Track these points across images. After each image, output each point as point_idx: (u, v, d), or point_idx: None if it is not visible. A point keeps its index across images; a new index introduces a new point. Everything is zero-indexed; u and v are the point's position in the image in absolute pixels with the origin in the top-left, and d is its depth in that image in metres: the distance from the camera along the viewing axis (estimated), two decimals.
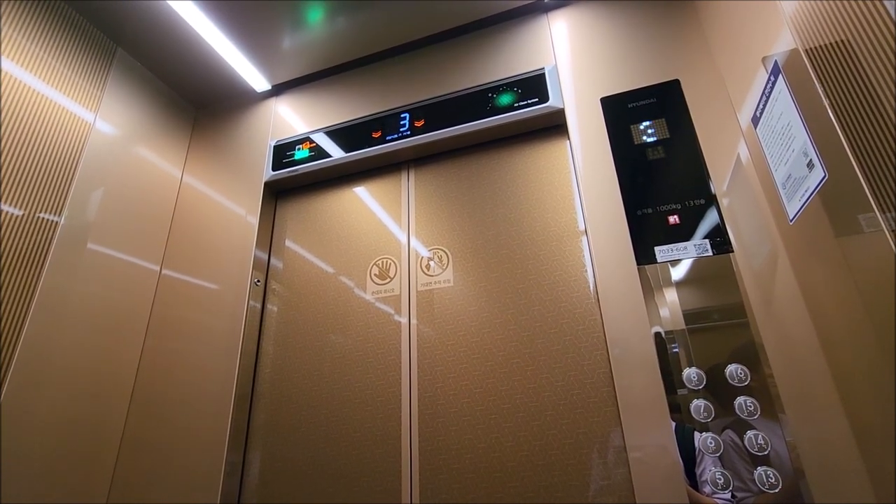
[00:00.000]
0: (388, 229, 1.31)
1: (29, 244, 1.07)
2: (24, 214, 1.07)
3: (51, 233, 1.12)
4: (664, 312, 0.92)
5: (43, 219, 1.10)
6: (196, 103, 1.63)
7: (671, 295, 0.93)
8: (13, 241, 1.04)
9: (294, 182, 1.44)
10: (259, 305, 1.33)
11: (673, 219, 0.95)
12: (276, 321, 1.32)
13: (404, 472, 1.04)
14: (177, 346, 1.28)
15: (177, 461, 1.15)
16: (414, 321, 1.17)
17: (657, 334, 0.90)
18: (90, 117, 1.26)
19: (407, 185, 1.35)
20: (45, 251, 1.10)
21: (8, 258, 1.02)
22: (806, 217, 0.78)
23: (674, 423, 0.84)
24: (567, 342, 1.02)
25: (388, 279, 1.24)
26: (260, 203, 1.39)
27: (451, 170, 1.31)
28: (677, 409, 0.84)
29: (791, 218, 0.80)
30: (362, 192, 1.40)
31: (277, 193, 1.49)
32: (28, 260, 1.06)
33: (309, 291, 1.32)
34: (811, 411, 0.77)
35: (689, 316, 0.90)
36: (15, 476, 0.98)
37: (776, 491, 0.74)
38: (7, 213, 1.04)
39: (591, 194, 1.06)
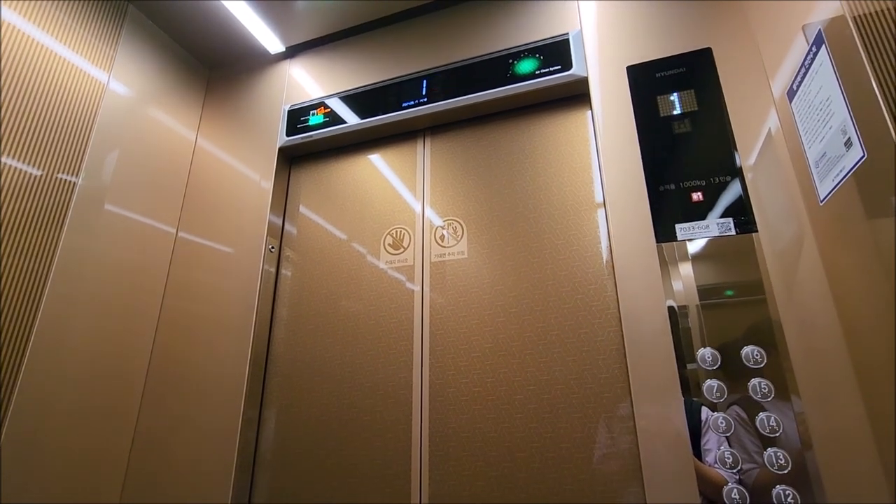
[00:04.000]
0: (403, 198, 1.30)
1: (49, 204, 1.08)
2: (42, 175, 1.07)
3: (69, 193, 1.12)
4: (678, 286, 0.91)
5: (61, 179, 1.11)
6: (209, 64, 1.60)
7: (686, 269, 0.91)
8: (34, 201, 1.05)
9: (308, 148, 1.43)
10: (273, 270, 1.34)
11: (696, 196, 0.92)
12: (290, 286, 1.33)
13: (414, 438, 1.06)
14: (194, 308, 1.31)
15: (196, 416, 1.19)
16: (427, 291, 1.18)
17: (670, 308, 0.89)
18: (104, 77, 1.24)
19: (423, 154, 1.32)
20: (64, 211, 1.11)
21: (29, 218, 1.04)
22: (837, 198, 0.75)
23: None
24: (580, 317, 1.02)
25: (402, 249, 1.24)
26: (274, 169, 1.38)
27: (467, 139, 1.29)
28: (687, 384, 0.84)
29: (822, 198, 0.77)
30: (377, 160, 1.38)
31: (292, 159, 1.48)
32: (48, 220, 1.07)
33: (323, 258, 1.32)
34: (827, 396, 0.76)
35: (704, 291, 0.89)
36: (39, 426, 1.02)
37: (785, 472, 0.74)
38: (27, 172, 1.04)
39: (611, 168, 1.03)
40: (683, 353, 0.87)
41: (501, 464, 0.98)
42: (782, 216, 0.86)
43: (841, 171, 0.70)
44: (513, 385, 1.03)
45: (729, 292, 0.88)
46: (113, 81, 1.27)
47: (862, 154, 0.65)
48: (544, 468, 0.95)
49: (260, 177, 1.39)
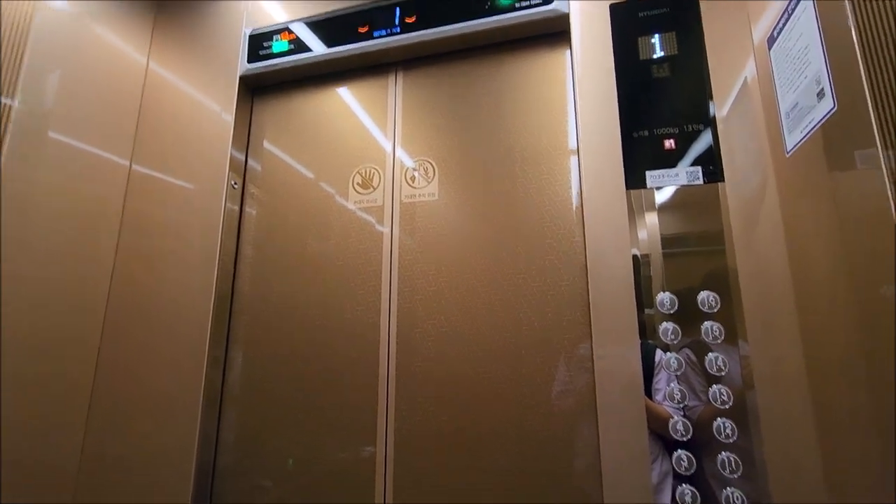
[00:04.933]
0: (373, 137, 1.24)
1: None
2: None
3: (5, 117, 1.03)
4: (642, 235, 0.93)
5: None
6: None
7: (652, 218, 0.93)
8: None
9: (272, 78, 1.33)
10: (237, 208, 1.29)
11: (669, 143, 0.92)
12: (255, 225, 1.29)
13: (381, 380, 1.09)
14: (154, 244, 1.26)
15: (161, 350, 1.18)
16: (396, 233, 1.16)
17: (634, 257, 0.92)
18: None
19: (394, 91, 1.26)
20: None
21: None
22: (803, 150, 0.76)
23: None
24: (548, 262, 1.04)
25: (371, 189, 1.20)
26: (235, 99, 1.29)
27: (441, 76, 1.23)
28: (644, 328, 0.88)
29: (789, 150, 0.78)
30: (347, 95, 1.30)
31: (254, 90, 1.38)
32: None
33: (289, 196, 1.28)
34: (771, 341, 0.81)
35: (667, 240, 0.91)
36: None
37: (727, 407, 0.80)
38: None
39: (587, 112, 1.00)
40: (643, 298, 0.90)
41: (466, 401, 1.02)
42: (749, 166, 0.87)
43: (810, 122, 0.71)
44: (479, 326, 1.05)
45: (688, 242, 0.91)
46: None
47: (832, 106, 0.65)
48: (507, 404, 1.00)
49: (220, 108, 1.30)
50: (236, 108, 1.28)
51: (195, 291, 1.19)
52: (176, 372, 1.15)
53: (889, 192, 0.60)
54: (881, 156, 0.61)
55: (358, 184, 1.22)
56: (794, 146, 0.76)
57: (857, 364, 0.69)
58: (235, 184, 1.28)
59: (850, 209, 0.70)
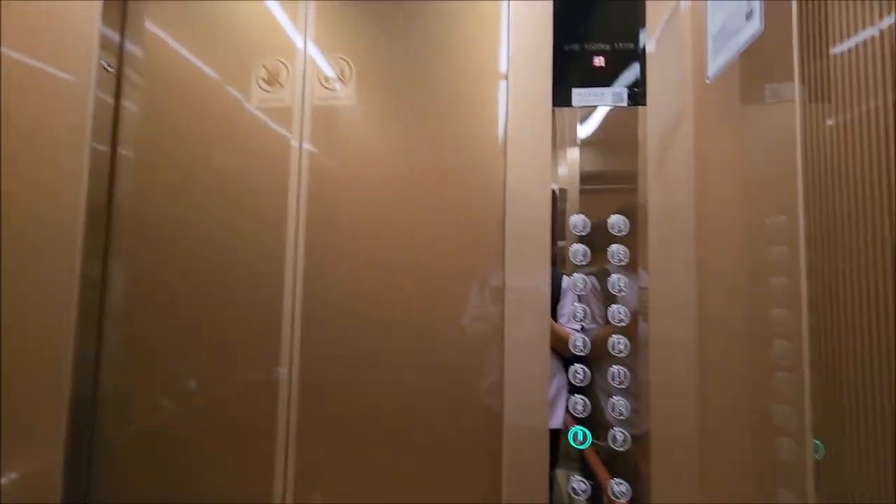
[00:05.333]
0: (280, 24, 1.07)
1: None
2: None
3: None
4: (563, 171, 0.91)
5: None
6: None
7: (573, 152, 0.92)
8: None
9: None
10: (111, 99, 1.08)
11: (598, 60, 0.88)
12: (137, 121, 1.09)
13: (287, 293, 1.01)
14: (2, 140, 1.03)
15: (20, 274, 1.00)
16: (307, 136, 1.04)
17: (553, 190, 0.91)
18: None
19: None
20: None
21: None
22: (723, 81, 0.76)
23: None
24: (467, 185, 1.00)
25: (278, 86, 1.05)
26: None
27: None
28: (556, 258, 0.90)
29: (710, 75, 0.78)
30: None
31: None
32: None
33: (177, 88, 1.09)
34: (669, 266, 0.85)
35: (586, 175, 0.91)
36: None
37: (622, 325, 0.85)
38: None
39: (521, 24, 0.94)
40: (557, 231, 0.90)
41: (376, 322, 0.99)
42: (671, 92, 0.87)
43: (735, 44, 0.70)
44: (395, 242, 1.00)
45: (607, 172, 0.91)
46: None
47: (759, 27, 0.64)
48: (419, 331, 0.98)
49: None
50: None
51: (61, 200, 1.00)
52: (43, 293, 0.99)
53: (798, 123, 0.61)
54: (796, 88, 0.61)
55: (262, 78, 1.06)
56: (716, 71, 0.76)
57: (739, 290, 0.74)
58: (109, 66, 1.06)
59: (756, 143, 0.72)
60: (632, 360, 0.86)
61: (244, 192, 1.05)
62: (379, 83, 1.04)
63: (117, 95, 1.10)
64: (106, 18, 1.05)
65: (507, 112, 0.95)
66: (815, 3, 0.61)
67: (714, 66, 0.76)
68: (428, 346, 0.98)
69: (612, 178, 0.92)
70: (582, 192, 0.93)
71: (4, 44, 1.05)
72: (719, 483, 0.78)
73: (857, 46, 0.55)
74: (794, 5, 0.63)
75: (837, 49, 0.57)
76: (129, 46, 1.11)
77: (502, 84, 1.00)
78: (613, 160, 0.92)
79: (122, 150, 1.09)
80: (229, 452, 1.01)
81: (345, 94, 1.04)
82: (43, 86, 1.04)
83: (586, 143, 0.93)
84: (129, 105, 1.10)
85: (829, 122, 0.58)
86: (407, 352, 0.98)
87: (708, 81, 0.79)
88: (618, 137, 0.90)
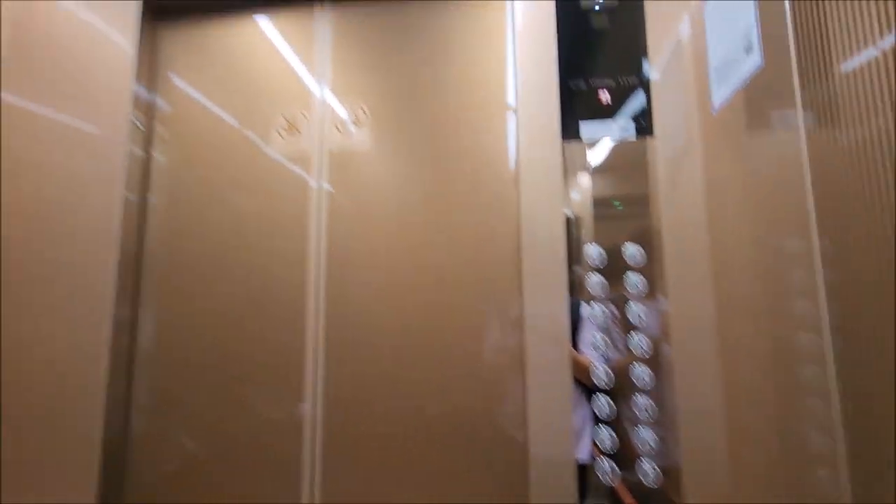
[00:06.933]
0: (299, 76, 1.14)
1: None
2: None
3: None
4: (575, 196, 0.93)
5: None
6: None
7: (584, 178, 0.93)
8: None
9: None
10: (143, 153, 1.15)
11: (604, 95, 0.91)
12: (166, 172, 1.16)
13: (309, 337, 1.04)
14: (41, 192, 1.09)
15: (54, 318, 1.04)
16: (324, 183, 1.08)
17: (567, 216, 0.92)
18: None
19: (323, 24, 1.15)
20: None
21: None
22: (729, 110, 0.78)
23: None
24: (482, 217, 1.02)
25: (297, 134, 1.11)
26: (135, 22, 1.11)
27: (376, 14, 1.13)
28: (573, 285, 0.91)
29: (715, 107, 0.80)
30: (268, 26, 1.17)
31: (158, 14, 1.20)
32: None
33: (203, 140, 1.15)
34: (687, 293, 0.85)
35: (598, 201, 0.93)
36: None
37: (646, 356, 0.84)
38: None
39: (526, 61, 0.97)
40: (573, 257, 0.91)
41: (397, 356, 1.00)
42: (677, 123, 0.89)
43: (737, 77, 0.72)
44: (413, 280, 1.02)
45: (617, 203, 0.93)
46: None
47: (759, 62, 0.66)
48: (438, 360, 0.99)
49: (117, 32, 1.12)
50: (136, 33, 1.11)
51: (95, 247, 1.06)
52: (76, 337, 1.03)
53: (804, 151, 0.62)
54: (799, 115, 0.63)
55: (282, 128, 1.12)
56: (721, 103, 0.78)
57: (760, 313, 0.73)
58: (140, 124, 1.13)
59: (765, 168, 0.73)
60: (657, 390, 0.85)
61: (266, 233, 1.09)
62: (392, 125, 1.09)
63: (147, 147, 1.16)
64: (138, 76, 1.12)
65: (517, 144, 0.98)
66: (813, 27, 0.63)
67: (718, 97, 0.78)
68: (450, 377, 0.98)
69: (625, 204, 0.93)
70: (596, 217, 0.94)
71: (44, 101, 1.12)
72: None
73: (860, 66, 0.56)
74: (791, 33, 0.65)
75: (840, 70, 0.59)
76: (159, 101, 1.18)
77: (511, 116, 1.04)
78: (625, 186, 0.94)
79: (151, 198, 1.15)
80: (258, 490, 1.01)
81: (360, 138, 1.09)
82: (78, 140, 1.11)
83: (597, 170, 0.94)
84: (158, 156, 1.17)
85: (837, 144, 0.59)
86: (429, 383, 0.99)
87: (713, 113, 0.81)
88: (628, 164, 0.92)
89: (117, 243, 1.05)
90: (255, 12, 1.18)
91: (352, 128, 1.09)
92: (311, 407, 1.01)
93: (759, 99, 0.72)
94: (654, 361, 0.85)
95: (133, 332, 1.10)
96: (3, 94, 1.12)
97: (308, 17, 1.16)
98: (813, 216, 0.62)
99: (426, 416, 0.98)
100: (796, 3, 0.65)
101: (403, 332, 1.01)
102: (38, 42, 1.14)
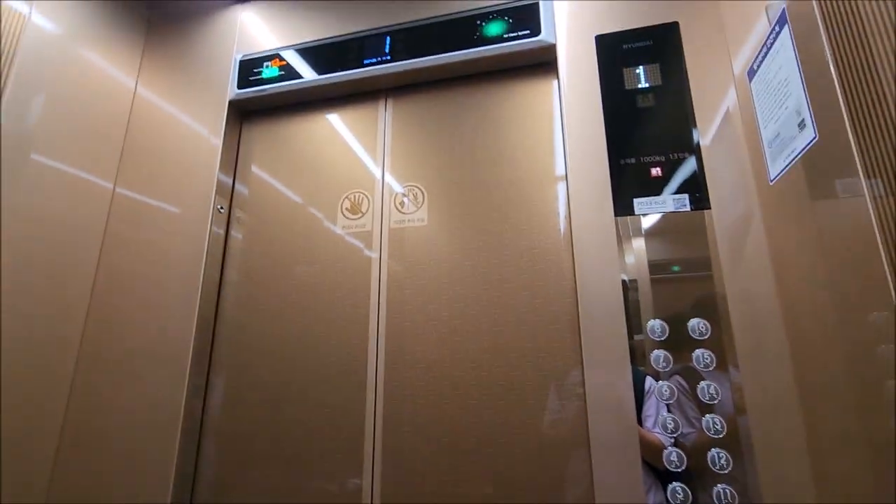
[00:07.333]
0: (362, 162, 1.25)
1: None
2: None
3: None
4: (630, 260, 0.93)
5: None
6: (148, 1, 1.45)
7: (639, 243, 0.93)
8: None
9: (261, 103, 1.34)
10: (222, 232, 1.27)
11: (655, 171, 0.93)
12: (241, 249, 1.27)
13: (368, 407, 1.06)
14: (135, 268, 1.23)
15: (138, 382, 1.14)
16: (385, 258, 1.15)
17: (623, 282, 0.92)
18: (25, 8, 1.10)
19: (384, 117, 1.27)
20: None
21: None
22: (786, 178, 0.77)
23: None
24: (537, 287, 1.03)
25: (360, 214, 1.20)
26: (224, 124, 1.28)
27: (430, 102, 1.24)
28: (634, 354, 0.88)
29: (772, 178, 0.80)
30: (336, 121, 1.31)
31: (243, 114, 1.38)
32: None
33: (276, 221, 1.26)
34: (762, 368, 0.80)
35: (656, 266, 0.92)
36: None
37: (720, 437, 0.79)
38: None
39: (575, 139, 1.02)
40: (633, 324, 0.90)
41: (455, 430, 0.99)
42: (734, 194, 0.89)
43: (792, 151, 0.72)
44: (468, 352, 1.03)
45: (675, 268, 0.91)
46: (36, 14, 1.12)
47: (814, 136, 0.67)
48: (497, 432, 0.97)
49: (208, 132, 1.29)
50: (225, 133, 1.28)
51: (177, 317, 1.16)
52: (154, 402, 1.11)
53: (873, 219, 0.61)
54: (863, 184, 0.62)
55: (346, 209, 1.21)
56: (778, 175, 0.78)
57: (847, 389, 0.68)
58: (222, 208, 1.26)
59: (834, 236, 0.71)
60: (737, 473, 0.78)
61: (329, 305, 1.15)
62: (447, 200, 1.15)
63: (227, 228, 1.28)
64: (222, 166, 1.27)
65: (568, 214, 1.00)
66: (864, 94, 0.63)
67: (775, 169, 0.78)
68: (509, 453, 0.96)
69: (684, 269, 0.91)
70: (653, 281, 0.93)
71: (144, 190, 1.28)
72: None
73: None
74: (843, 103, 0.66)
75: None
76: (239, 187, 1.32)
77: (561, 187, 1.07)
78: (683, 251, 0.92)
79: (228, 273, 1.25)
80: None
81: (418, 216, 1.16)
82: (168, 221, 1.25)
83: (653, 236, 0.94)
84: (235, 234, 1.28)
85: None
86: (487, 461, 0.96)
87: (771, 184, 0.81)
88: (684, 230, 0.91)
89: (196, 313, 1.15)
90: (325, 110, 1.33)
91: (410, 207, 1.17)
92: (369, 479, 1.01)
93: (819, 168, 0.71)
94: (732, 441, 0.80)
95: (205, 399, 1.17)
96: (116, 188, 1.30)
97: (373, 110, 1.29)
98: (891, 283, 0.59)
99: (482, 494, 0.95)
100: (844, 73, 0.66)
101: (461, 406, 1.01)
102: (145, 143, 1.33)
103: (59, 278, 1.15)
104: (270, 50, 1.31)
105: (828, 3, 0.69)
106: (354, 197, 1.22)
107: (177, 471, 1.06)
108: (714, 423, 0.79)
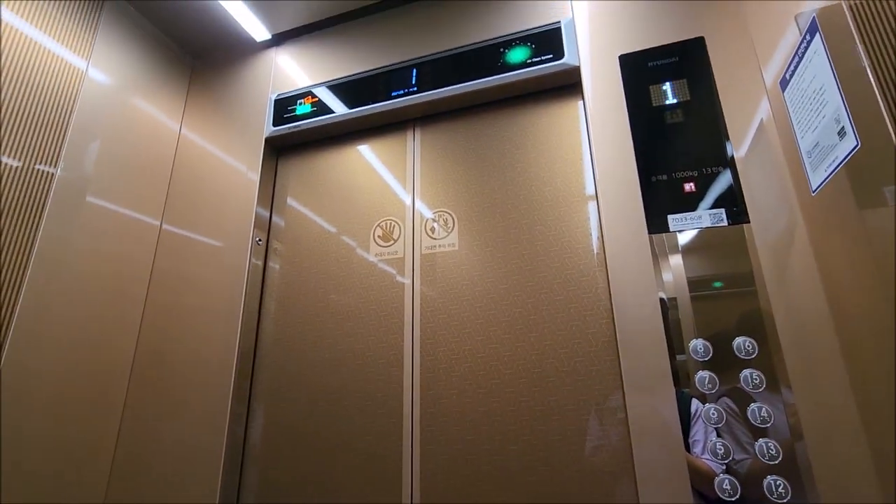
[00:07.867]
0: (393, 190, 1.28)
1: (27, 195, 1.05)
2: (21, 166, 1.04)
3: (48, 184, 1.09)
4: (667, 277, 0.90)
5: (40, 170, 1.08)
6: (192, 52, 1.56)
7: (677, 261, 0.90)
8: (12, 192, 1.02)
9: (296, 139, 1.40)
10: (261, 263, 1.32)
11: (689, 186, 0.91)
12: (279, 280, 1.31)
13: (405, 433, 1.05)
14: (180, 302, 1.28)
15: (183, 410, 1.17)
16: (417, 284, 1.16)
17: (661, 300, 0.89)
18: (83, 64, 1.20)
19: (413, 145, 1.30)
20: (42, 202, 1.07)
21: (8, 210, 1.00)
22: (829, 188, 0.74)
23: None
24: (572, 309, 1.01)
25: (392, 241, 1.22)
26: (261, 160, 1.35)
27: (458, 129, 1.27)
28: (678, 376, 0.84)
29: (814, 189, 0.77)
30: (366, 151, 1.35)
31: (279, 150, 1.45)
32: (27, 211, 1.04)
33: (311, 251, 1.30)
34: (817, 386, 0.76)
35: (695, 283, 0.88)
36: (21, 421, 1.00)
37: (776, 463, 0.74)
38: (4, 164, 1.01)
39: (603, 159, 1.01)
40: (674, 344, 0.86)
41: (493, 456, 0.98)
42: (774, 207, 0.86)
43: (834, 160, 0.70)
44: (504, 377, 1.02)
45: (717, 283, 0.88)
46: (92, 69, 1.23)
47: (856, 143, 0.65)
48: (536, 460, 0.95)
49: (246, 168, 1.36)
50: (261, 168, 1.34)
51: (220, 346, 1.20)
52: (199, 429, 1.14)
53: None
54: None
55: (379, 237, 1.24)
56: (820, 185, 0.75)
57: None
58: (260, 240, 1.31)
59: (886, 245, 0.67)
60: (797, 501, 0.73)
61: (364, 331, 1.17)
62: (478, 224, 1.16)
63: (265, 259, 1.33)
64: (260, 200, 1.33)
65: (600, 233, 0.99)
66: None
67: (817, 179, 0.75)
68: (549, 481, 0.93)
69: (725, 285, 0.88)
70: (693, 299, 0.89)
71: (187, 225, 1.35)
72: None
73: None
74: (885, 111, 0.63)
75: None
76: (276, 219, 1.37)
77: (592, 206, 1.06)
78: (724, 267, 0.89)
79: (267, 302, 1.29)
80: None
81: (449, 242, 1.17)
82: (209, 254, 1.31)
83: (691, 252, 0.91)
84: (273, 265, 1.33)
85: None
86: (527, 488, 0.94)
87: (813, 194, 0.78)
88: (725, 249, 0.88)
89: (237, 342, 1.18)
90: (356, 142, 1.37)
91: (441, 232, 1.18)
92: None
93: (864, 176, 0.68)
94: (789, 467, 0.75)
95: (246, 427, 1.19)
96: (163, 225, 1.38)
97: (401, 139, 1.32)
98: None
99: None
100: (882, 77, 0.64)
101: (499, 432, 0.99)
102: (189, 181, 1.41)
103: (111, 313, 1.22)
104: (303, 88, 1.38)
105: (859, 7, 0.67)
106: (386, 224, 1.24)
107: (220, 501, 1.07)
108: (769, 447, 0.75)
